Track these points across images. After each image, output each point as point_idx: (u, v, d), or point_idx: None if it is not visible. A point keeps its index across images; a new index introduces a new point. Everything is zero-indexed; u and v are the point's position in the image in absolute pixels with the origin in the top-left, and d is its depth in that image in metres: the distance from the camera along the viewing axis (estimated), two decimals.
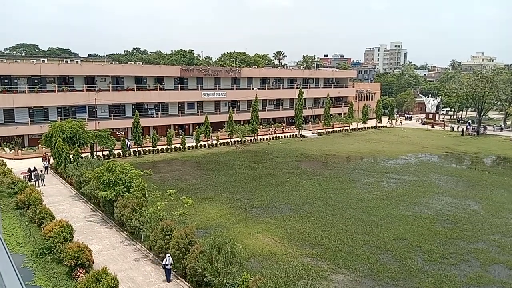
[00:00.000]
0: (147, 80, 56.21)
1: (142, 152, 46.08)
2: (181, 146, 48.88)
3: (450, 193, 33.06)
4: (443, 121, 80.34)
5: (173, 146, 48.53)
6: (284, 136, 60.58)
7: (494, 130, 71.29)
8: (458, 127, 72.59)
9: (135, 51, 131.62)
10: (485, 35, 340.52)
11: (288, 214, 27.20)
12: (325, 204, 29.36)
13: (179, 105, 58.74)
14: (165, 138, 48.78)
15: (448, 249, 22.18)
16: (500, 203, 30.50)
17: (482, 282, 18.84)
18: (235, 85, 64.20)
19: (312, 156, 47.23)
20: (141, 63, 71.96)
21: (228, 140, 53.83)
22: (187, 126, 59.30)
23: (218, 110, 61.62)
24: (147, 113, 54.96)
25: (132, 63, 71.61)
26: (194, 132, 52.66)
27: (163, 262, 17.87)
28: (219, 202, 29.37)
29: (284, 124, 66.66)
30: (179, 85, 58.30)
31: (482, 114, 71.38)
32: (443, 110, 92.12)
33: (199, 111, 59.51)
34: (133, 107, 53.25)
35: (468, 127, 70.53)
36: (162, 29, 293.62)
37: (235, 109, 60.92)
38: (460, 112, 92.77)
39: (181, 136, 50.53)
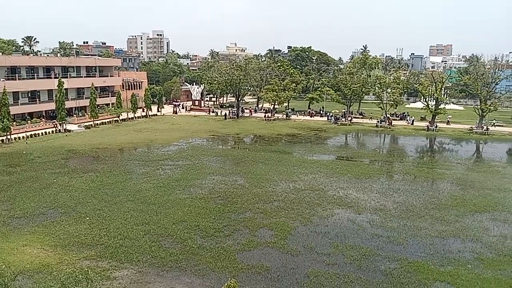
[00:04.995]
0: None
1: None
2: None
3: (220, 172, 36.09)
4: (208, 107, 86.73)
5: None
6: (46, 132, 54.08)
7: (250, 113, 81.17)
8: (222, 111, 79.65)
9: None
10: (236, 29, 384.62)
11: (59, 219, 24.53)
12: (101, 201, 27.74)
13: None
14: None
15: (222, 223, 24.20)
16: (260, 175, 35.07)
17: (252, 246, 21.33)
18: None
19: (81, 152, 43.80)
20: None
21: None
22: None
23: None
24: None
25: None
26: None
27: None
28: None
29: (44, 119, 59.45)
30: None
31: (239, 99, 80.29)
32: (207, 97, 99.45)
33: None
34: None
35: (231, 110, 78.23)
36: None
37: None
38: (222, 98, 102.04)
39: None
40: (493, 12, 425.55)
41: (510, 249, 21.59)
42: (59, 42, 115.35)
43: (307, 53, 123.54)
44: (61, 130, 55.90)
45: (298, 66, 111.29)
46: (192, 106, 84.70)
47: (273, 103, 76.51)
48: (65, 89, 57.64)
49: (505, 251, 21.39)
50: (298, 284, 17.84)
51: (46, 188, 30.54)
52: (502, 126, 67.09)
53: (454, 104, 76.40)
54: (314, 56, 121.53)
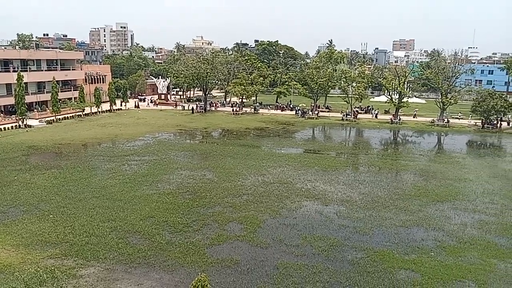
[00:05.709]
0: None
1: None
2: None
3: (188, 167, 35.75)
4: (175, 101, 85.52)
5: None
6: (4, 128, 51.87)
7: (215, 106, 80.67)
8: (189, 105, 78.75)
9: None
10: (202, 22, 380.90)
11: (21, 217, 23.64)
12: (65, 198, 26.94)
13: None
14: None
15: (191, 218, 24.02)
16: (229, 169, 35.00)
17: (222, 240, 21.30)
18: None
19: (43, 148, 42.31)
20: None
21: None
22: None
23: None
24: None
25: None
26: None
27: None
28: None
29: (2, 114, 56.95)
30: None
31: (207, 93, 79.63)
32: (174, 91, 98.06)
33: None
34: None
35: (199, 104, 77.48)
36: None
37: None
38: (189, 91, 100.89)
39: None
40: (452, 11, 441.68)
41: (470, 237, 22.55)
42: (17, 34, 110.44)
43: (274, 47, 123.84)
44: (21, 126, 53.75)
45: (266, 60, 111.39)
46: (158, 100, 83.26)
47: (241, 97, 76.36)
48: (24, 83, 55.40)
49: (466, 238, 22.32)
50: (267, 276, 17.98)
51: (7, 185, 29.35)
52: (462, 118, 69.73)
53: (416, 97, 78.54)
54: (281, 50, 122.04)
